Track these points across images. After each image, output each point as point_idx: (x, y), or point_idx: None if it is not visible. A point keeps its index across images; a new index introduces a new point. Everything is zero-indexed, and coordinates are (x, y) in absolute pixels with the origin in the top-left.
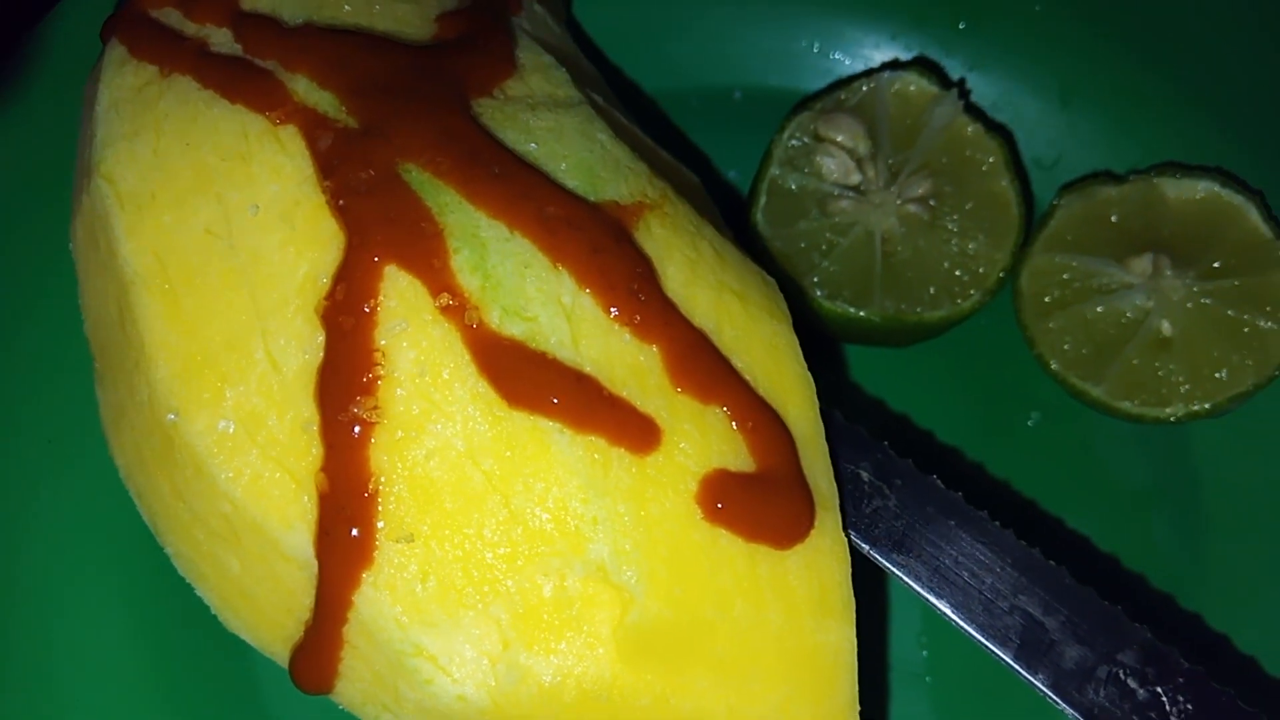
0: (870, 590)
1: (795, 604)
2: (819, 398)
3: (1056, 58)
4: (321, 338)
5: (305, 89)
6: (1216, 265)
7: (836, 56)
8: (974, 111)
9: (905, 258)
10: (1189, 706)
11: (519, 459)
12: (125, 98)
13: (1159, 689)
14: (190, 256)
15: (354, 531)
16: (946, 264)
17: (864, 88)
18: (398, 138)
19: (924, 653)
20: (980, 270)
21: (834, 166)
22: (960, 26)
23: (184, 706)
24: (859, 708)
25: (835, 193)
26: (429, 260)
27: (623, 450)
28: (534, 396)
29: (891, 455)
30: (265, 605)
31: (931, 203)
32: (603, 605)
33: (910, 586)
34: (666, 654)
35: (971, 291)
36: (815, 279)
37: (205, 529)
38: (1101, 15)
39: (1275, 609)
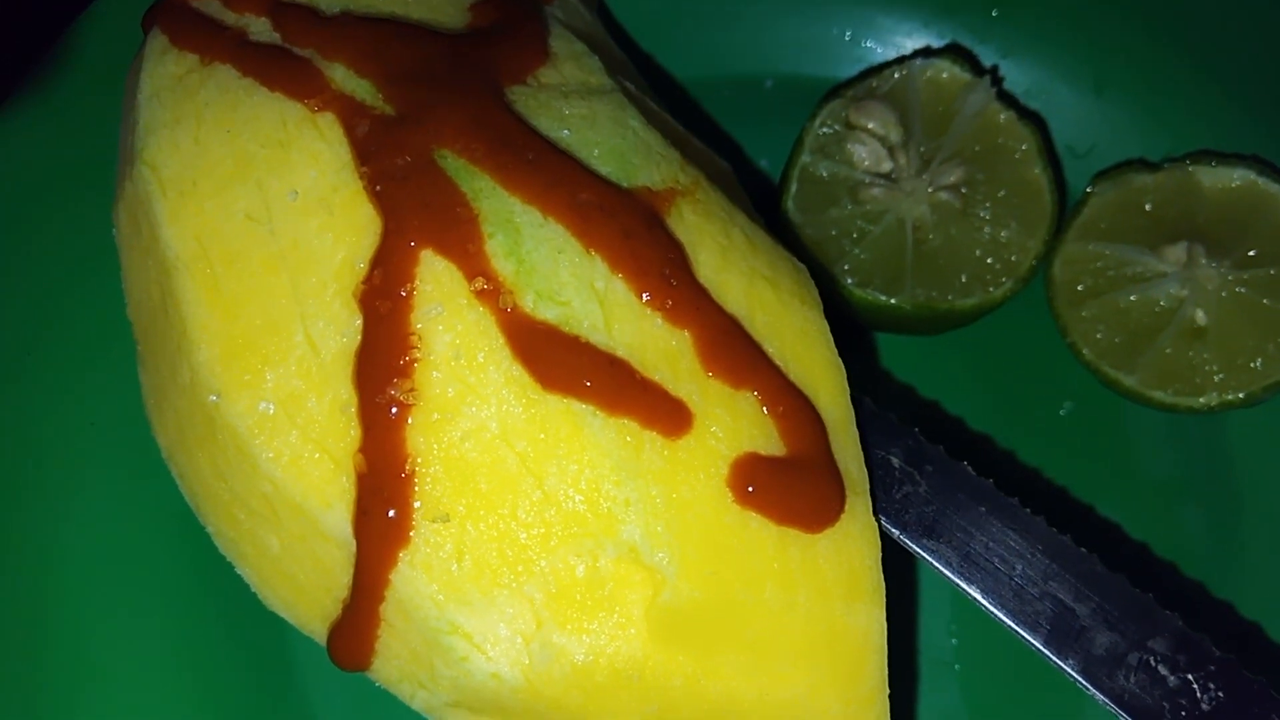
0: (900, 577)
1: (825, 587)
2: (850, 384)
3: (1090, 45)
4: (359, 321)
5: (343, 77)
6: (1252, 254)
7: (868, 44)
8: (1006, 99)
9: (937, 245)
10: (1220, 694)
11: (552, 441)
12: (167, 86)
13: (1190, 676)
14: (231, 241)
15: (391, 512)
16: (978, 252)
17: (896, 75)
18: (433, 124)
19: (953, 640)
20: (1012, 258)
21: (865, 154)
22: (993, 14)
23: (220, 684)
24: (888, 690)
25: (867, 180)
26: (464, 245)
27: (655, 433)
28: (567, 380)
29: (922, 441)
30: (304, 584)
31: (963, 190)
32: (635, 586)
33: (941, 572)
34: (698, 635)
35: (1004, 279)
36: (846, 266)
37: (246, 508)
38: (1135, 2)
39: None
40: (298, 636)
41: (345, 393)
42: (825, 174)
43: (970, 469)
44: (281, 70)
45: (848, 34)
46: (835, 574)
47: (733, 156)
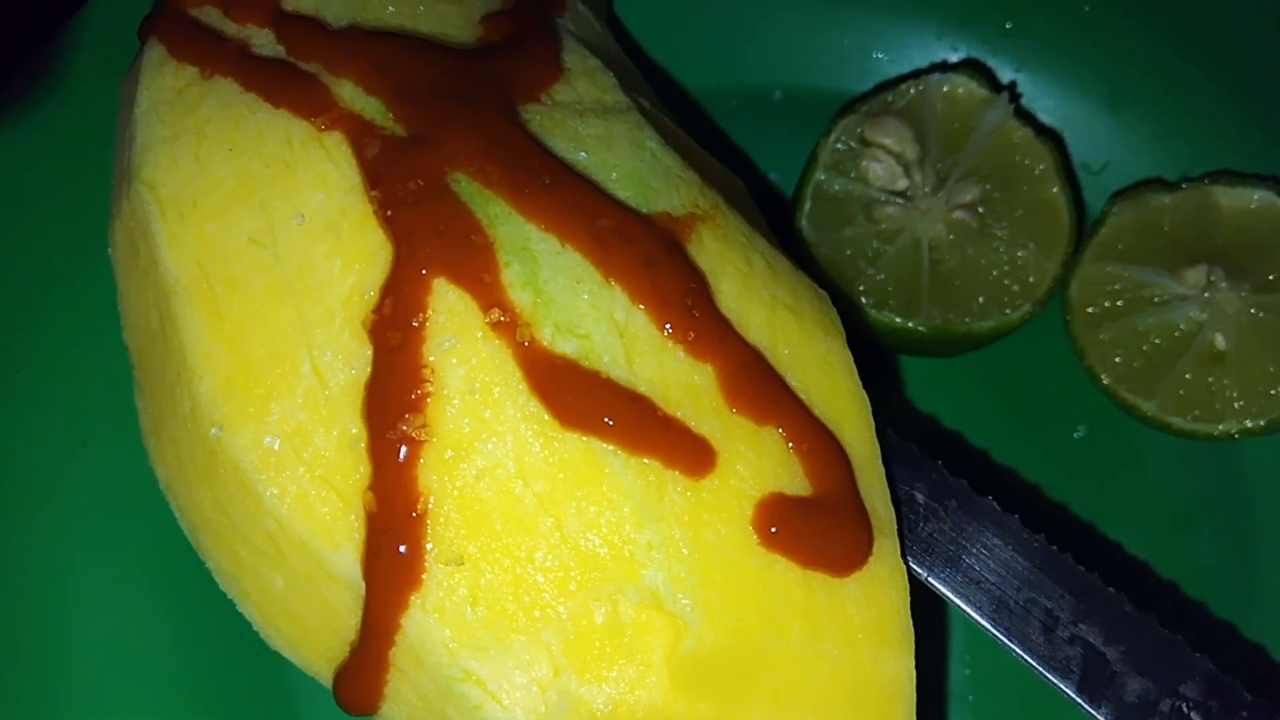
0: (922, 612)
1: (853, 633)
2: (873, 416)
3: (1105, 60)
4: (369, 352)
5: (351, 94)
6: (1272, 278)
7: (879, 56)
8: (1024, 116)
9: (953, 266)
10: None
11: (571, 481)
12: (165, 100)
13: None
14: (233, 266)
15: (402, 551)
16: (995, 273)
17: (912, 90)
18: (446, 146)
19: (967, 671)
20: (1030, 280)
21: (881, 171)
22: (1007, 26)
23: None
24: None
25: (882, 198)
26: (479, 274)
27: (677, 473)
28: (587, 417)
29: (945, 475)
30: (310, 624)
31: (980, 209)
32: (656, 633)
33: (971, 616)
34: (721, 684)
35: (1021, 302)
36: (861, 287)
37: (249, 545)
38: (1151, 16)
39: None
40: (299, 674)
41: (354, 427)
42: (840, 191)
43: (995, 504)
44: (286, 86)
45: (858, 45)
46: (863, 619)
47: (741, 169)
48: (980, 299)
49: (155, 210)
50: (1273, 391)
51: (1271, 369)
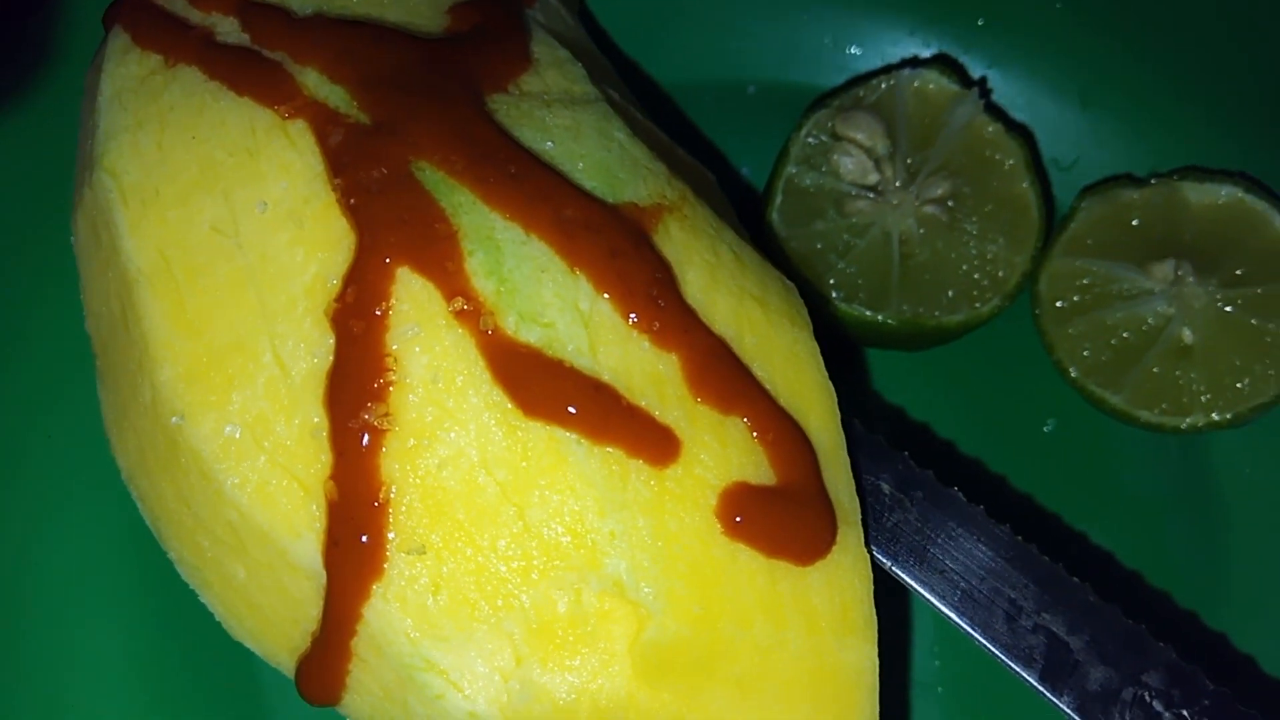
0: (889, 602)
1: (816, 622)
2: (839, 406)
3: (1076, 56)
4: (331, 341)
5: (315, 82)
6: (1239, 273)
7: (853, 51)
8: (994, 111)
9: (923, 260)
10: None
11: (534, 470)
12: (129, 88)
13: (1184, 711)
14: (196, 255)
15: (364, 541)
16: (965, 267)
17: (883, 85)
18: (411, 135)
19: (936, 663)
20: (1000, 274)
21: (852, 166)
22: (979, 23)
23: (187, 713)
24: None
25: (852, 192)
26: (443, 263)
27: (641, 462)
28: (550, 406)
29: (912, 466)
30: (271, 615)
31: (950, 204)
32: (619, 622)
33: (933, 604)
34: (684, 672)
35: (990, 296)
36: (831, 281)
37: (210, 536)
38: (1122, 13)
39: None
40: (267, 666)
41: (316, 416)
42: (811, 185)
43: (961, 494)
44: (251, 74)
45: (831, 40)
46: (826, 608)
47: (714, 163)
48: (950, 293)
49: (117, 198)
50: (1239, 385)
51: (1238, 363)
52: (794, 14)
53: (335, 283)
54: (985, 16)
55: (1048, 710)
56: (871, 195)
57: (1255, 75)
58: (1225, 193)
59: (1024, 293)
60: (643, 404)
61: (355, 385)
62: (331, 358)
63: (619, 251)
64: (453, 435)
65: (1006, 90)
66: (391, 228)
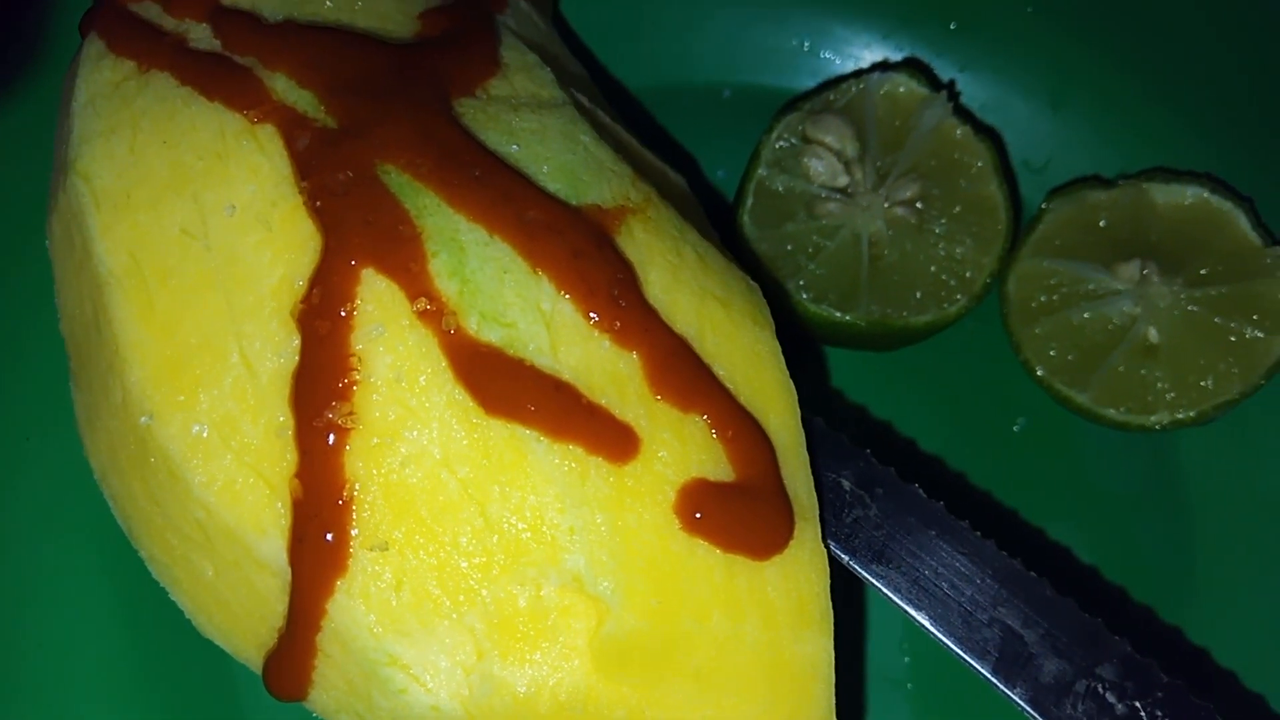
0: (852, 598)
1: (773, 615)
2: (801, 405)
3: (1047, 60)
4: (297, 341)
5: (284, 87)
6: (1204, 272)
7: (827, 55)
8: (963, 114)
9: (892, 261)
10: None
11: (496, 467)
12: (103, 93)
13: (1137, 703)
14: (166, 257)
15: (328, 538)
16: (933, 268)
17: (853, 89)
18: (377, 138)
19: (906, 659)
20: (967, 275)
21: (822, 168)
22: (951, 27)
23: (161, 710)
24: (835, 717)
25: (822, 195)
26: (406, 264)
27: (601, 459)
28: (511, 404)
29: (873, 463)
30: (239, 611)
31: (919, 206)
32: (579, 616)
33: (889, 598)
34: (643, 665)
35: (958, 296)
36: (801, 282)
37: (179, 534)
38: (1092, 18)
39: (1257, 621)
40: (240, 663)
41: (282, 415)
42: (781, 188)
43: (921, 491)
44: (221, 79)
45: (806, 44)
46: (783, 602)
47: (690, 167)
48: (918, 294)
49: (90, 202)
50: (1203, 383)
51: (1202, 361)
52: (768, 18)
53: (302, 284)
54: (957, 21)
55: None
56: (841, 197)
57: (1223, 78)
58: (1191, 193)
59: (992, 293)
60: (603, 402)
61: (320, 385)
62: (297, 358)
63: (581, 252)
64: (415, 433)
65: (979, 93)
66: (356, 230)
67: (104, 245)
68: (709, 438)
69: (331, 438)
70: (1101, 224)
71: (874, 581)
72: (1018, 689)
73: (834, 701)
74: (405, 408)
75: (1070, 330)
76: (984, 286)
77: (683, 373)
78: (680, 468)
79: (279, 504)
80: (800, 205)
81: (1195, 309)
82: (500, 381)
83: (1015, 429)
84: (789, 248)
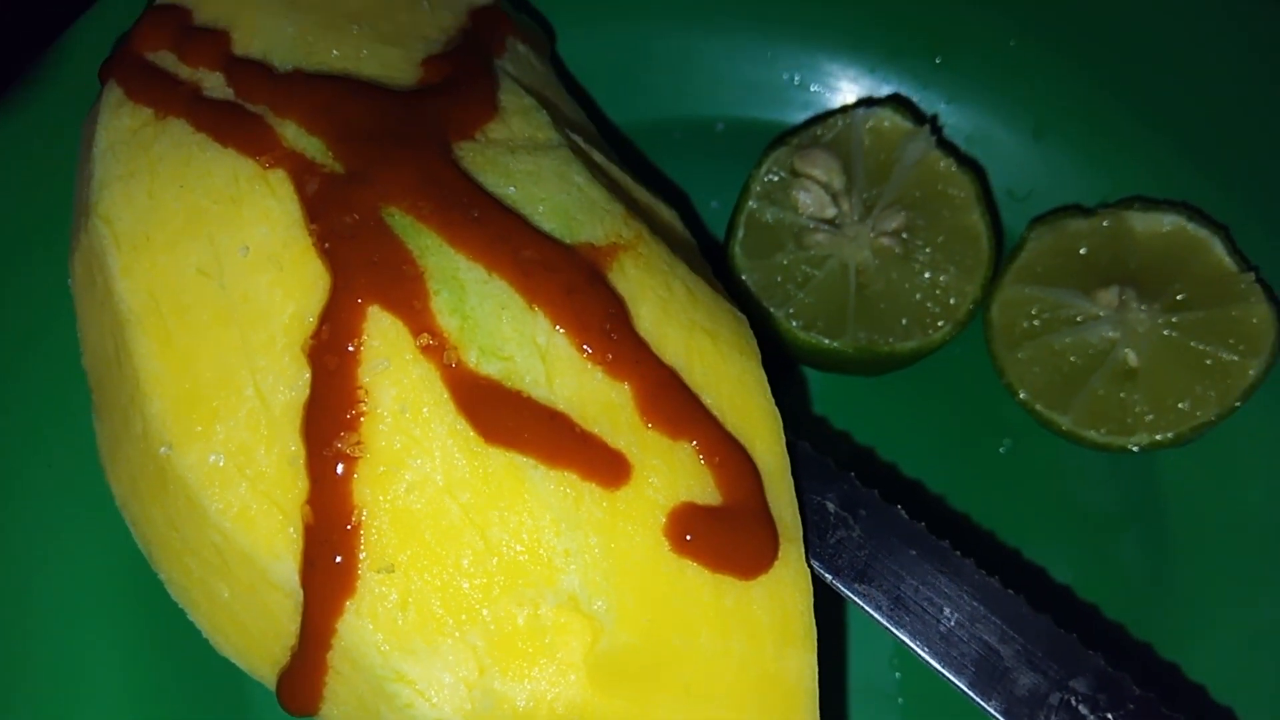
0: (839, 615)
1: (758, 633)
2: (788, 429)
3: (1030, 92)
4: (307, 375)
5: (294, 134)
6: (1181, 297)
7: (816, 89)
8: (947, 147)
9: (878, 290)
10: None
11: (495, 493)
12: (122, 140)
13: (1109, 715)
14: (183, 295)
15: (338, 561)
16: (918, 296)
17: (839, 124)
18: (381, 183)
19: (896, 674)
20: (951, 302)
21: (810, 200)
22: (936, 61)
23: None
24: None
25: (811, 226)
26: (410, 302)
27: (594, 485)
28: (509, 433)
29: (857, 486)
30: (254, 631)
31: (904, 236)
32: (574, 634)
33: (871, 615)
34: (635, 680)
35: (941, 323)
36: (790, 310)
37: (197, 557)
38: (1074, 51)
39: (1227, 636)
40: (253, 680)
41: (294, 445)
42: (771, 220)
43: (904, 513)
44: (234, 127)
45: (796, 79)
46: (769, 620)
47: (684, 198)
48: (904, 320)
49: (111, 243)
50: (1180, 405)
51: (1179, 384)
52: (759, 55)
53: (311, 321)
54: (942, 55)
55: None
56: (829, 228)
57: (1201, 108)
58: (1169, 221)
59: (976, 320)
60: (596, 431)
61: (330, 416)
62: (308, 390)
63: (575, 288)
64: (419, 462)
65: (964, 124)
66: (363, 270)
67: (125, 284)
68: (698, 464)
69: (340, 466)
70: (1082, 251)
71: (856, 599)
72: (993, 702)
73: (818, 714)
74: (410, 437)
75: (1052, 355)
76: (968, 313)
77: (672, 402)
78: (670, 492)
79: (291, 529)
80: (789, 236)
81: (1173, 333)
82: (499, 412)
83: (1001, 451)
84: (779, 278)
